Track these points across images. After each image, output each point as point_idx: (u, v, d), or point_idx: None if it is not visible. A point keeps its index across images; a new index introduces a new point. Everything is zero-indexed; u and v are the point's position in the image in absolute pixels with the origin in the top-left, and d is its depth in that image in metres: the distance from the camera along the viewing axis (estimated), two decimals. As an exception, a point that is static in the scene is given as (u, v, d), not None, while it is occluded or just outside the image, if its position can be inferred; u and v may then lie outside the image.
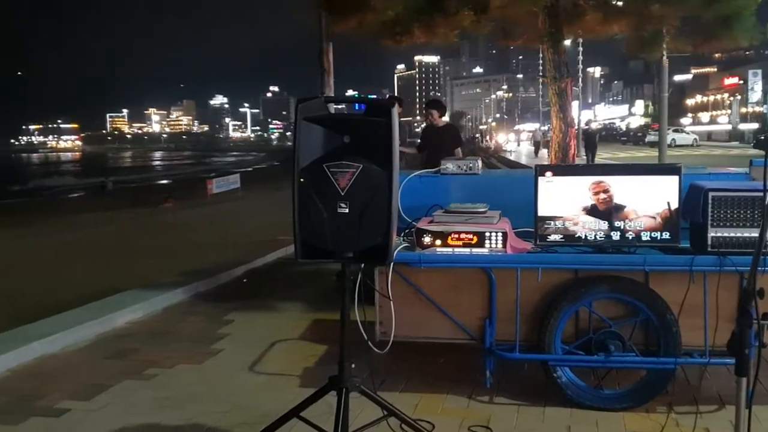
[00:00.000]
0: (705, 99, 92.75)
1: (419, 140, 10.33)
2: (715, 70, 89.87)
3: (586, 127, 33.92)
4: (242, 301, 7.18)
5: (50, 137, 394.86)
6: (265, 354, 5.45)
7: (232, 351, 5.53)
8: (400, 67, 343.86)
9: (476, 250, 4.22)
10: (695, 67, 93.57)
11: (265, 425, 3.48)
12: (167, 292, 7.17)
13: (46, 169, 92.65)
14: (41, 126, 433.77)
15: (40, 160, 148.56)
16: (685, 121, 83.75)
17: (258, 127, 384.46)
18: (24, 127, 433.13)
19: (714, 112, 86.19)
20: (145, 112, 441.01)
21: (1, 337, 5.60)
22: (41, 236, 13.97)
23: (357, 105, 3.40)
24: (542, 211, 4.24)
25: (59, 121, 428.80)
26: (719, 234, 3.98)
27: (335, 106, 3.61)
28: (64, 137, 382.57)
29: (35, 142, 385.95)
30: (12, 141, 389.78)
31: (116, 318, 6.33)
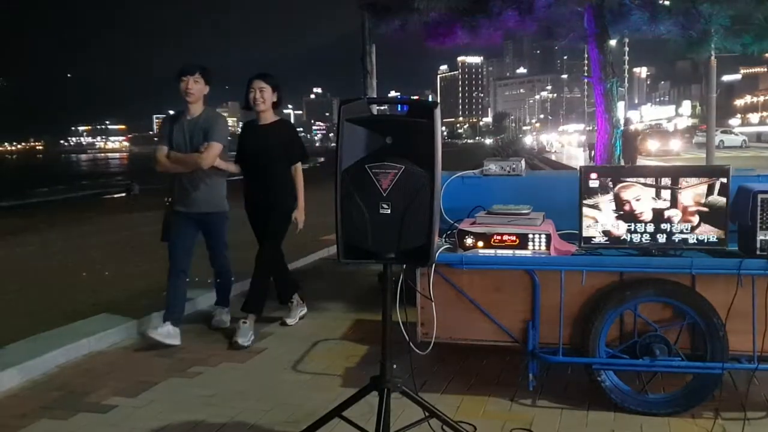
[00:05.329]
0: (755, 99, 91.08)
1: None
2: (765, 69, 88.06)
3: (625, 127, 32.92)
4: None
5: (98, 138, 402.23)
6: (307, 353, 5.48)
7: (275, 350, 5.58)
8: (443, 68, 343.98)
9: (519, 252, 4.20)
10: (744, 66, 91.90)
11: (307, 424, 3.50)
12: (212, 291, 7.23)
13: (79, 171, 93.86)
14: (90, 127, 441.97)
15: (87, 161, 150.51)
16: (734, 122, 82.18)
17: (301, 129, 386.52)
18: (73, 128, 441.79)
19: (764, 113, 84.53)
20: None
21: (52, 333, 5.72)
22: (92, 236, 14.19)
23: (399, 106, 3.40)
24: (587, 213, 4.20)
25: (107, 122, 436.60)
26: (768, 237, 3.91)
27: (378, 108, 3.62)
28: (112, 138, 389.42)
29: (84, 143, 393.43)
30: (61, 142, 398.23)
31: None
